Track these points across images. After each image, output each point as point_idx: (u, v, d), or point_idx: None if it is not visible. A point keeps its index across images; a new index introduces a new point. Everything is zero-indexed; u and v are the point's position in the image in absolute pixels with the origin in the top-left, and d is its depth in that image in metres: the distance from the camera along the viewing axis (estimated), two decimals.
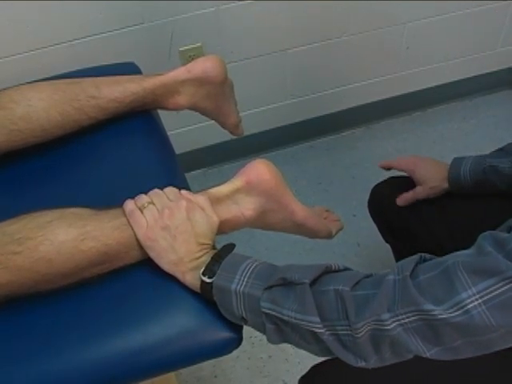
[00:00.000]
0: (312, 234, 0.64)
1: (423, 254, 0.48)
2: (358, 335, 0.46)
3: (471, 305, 0.42)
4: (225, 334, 0.54)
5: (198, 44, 1.18)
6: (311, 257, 1.25)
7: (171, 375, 0.80)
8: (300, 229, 0.63)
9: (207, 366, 1.08)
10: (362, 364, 0.48)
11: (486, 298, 0.42)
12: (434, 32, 1.39)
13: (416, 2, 1.30)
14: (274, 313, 0.49)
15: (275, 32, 1.23)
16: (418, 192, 0.84)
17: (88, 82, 0.70)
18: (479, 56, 1.50)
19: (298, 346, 0.51)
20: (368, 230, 1.30)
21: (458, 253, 0.46)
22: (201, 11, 1.13)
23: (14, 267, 0.51)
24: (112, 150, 0.71)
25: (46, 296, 0.55)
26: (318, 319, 0.47)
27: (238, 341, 0.55)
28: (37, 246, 0.52)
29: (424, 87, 1.52)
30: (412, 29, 1.36)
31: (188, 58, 1.18)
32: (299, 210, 0.61)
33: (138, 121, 0.74)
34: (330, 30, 1.28)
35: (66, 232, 0.53)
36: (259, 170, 0.59)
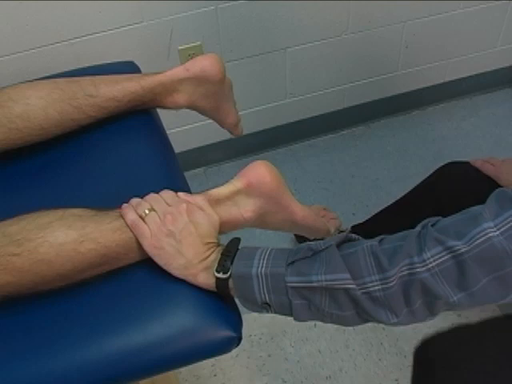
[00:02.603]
0: (311, 232, 0.65)
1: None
2: (390, 284, 0.48)
3: (491, 234, 0.44)
4: (224, 332, 0.54)
5: (198, 43, 1.18)
6: None
7: (171, 374, 0.80)
8: (299, 228, 0.63)
9: (206, 364, 1.08)
10: (393, 320, 0.49)
11: (507, 226, 0.44)
12: (433, 31, 1.39)
13: (415, 2, 1.30)
14: (302, 284, 0.50)
15: (274, 31, 1.23)
16: None
17: (87, 80, 0.69)
18: (479, 54, 1.50)
19: (328, 318, 0.52)
20: None
21: (483, 206, 0.48)
22: (200, 10, 1.13)
23: (13, 269, 0.51)
24: (111, 149, 0.71)
25: (46, 295, 0.55)
26: (348, 275, 0.49)
27: (237, 339, 0.55)
28: (36, 247, 0.52)
29: (423, 86, 1.52)
30: (411, 28, 1.35)
31: (187, 56, 1.18)
32: (299, 211, 0.61)
33: (137, 119, 0.74)
34: (330, 29, 1.28)
35: (65, 234, 0.52)
36: (260, 171, 0.59)
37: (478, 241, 0.44)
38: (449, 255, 0.46)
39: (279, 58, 1.29)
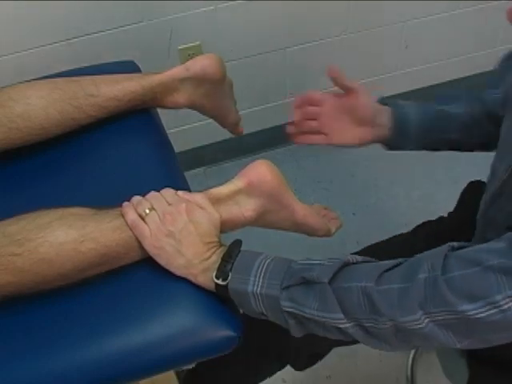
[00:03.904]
0: (311, 232, 0.64)
1: (452, 244, 0.49)
2: (385, 326, 0.47)
3: (506, 306, 0.43)
4: (224, 331, 0.54)
5: (197, 42, 1.17)
6: (311, 254, 1.24)
7: (171, 373, 0.80)
8: (300, 227, 0.63)
9: None
10: (387, 348, 0.49)
11: None
12: (432, 31, 1.39)
13: (415, 2, 1.30)
14: (295, 311, 0.50)
15: (274, 30, 1.23)
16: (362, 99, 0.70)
17: (87, 80, 0.69)
18: (478, 54, 1.50)
19: (322, 335, 0.52)
20: (367, 228, 1.30)
21: (490, 248, 0.46)
22: (200, 10, 1.13)
23: (13, 269, 0.51)
24: (111, 149, 0.71)
25: (46, 295, 0.54)
26: (341, 315, 0.48)
27: (237, 338, 0.55)
28: (36, 247, 0.52)
29: (423, 86, 1.52)
30: (411, 27, 1.35)
31: (187, 56, 1.17)
32: (300, 210, 0.61)
33: (137, 119, 0.74)
34: (329, 29, 1.28)
35: (65, 233, 0.52)
36: (260, 170, 0.59)
37: (491, 311, 0.43)
38: (458, 315, 0.44)
39: (279, 58, 1.29)
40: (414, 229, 0.82)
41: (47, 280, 0.53)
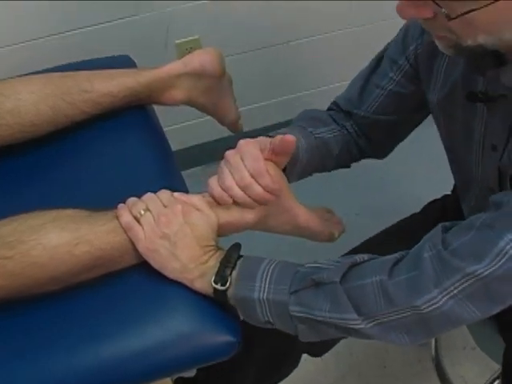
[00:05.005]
0: (314, 236, 0.64)
1: (444, 224, 0.50)
2: (405, 314, 0.47)
3: None
4: (224, 337, 0.54)
5: (196, 36, 1.16)
6: (313, 256, 1.23)
7: (168, 380, 0.79)
8: (302, 231, 0.62)
9: None
10: (405, 340, 0.49)
11: None
12: None
13: None
14: (304, 315, 0.50)
15: (276, 24, 1.21)
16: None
17: (81, 75, 0.68)
18: None
19: (334, 337, 0.52)
20: (371, 228, 1.28)
21: (479, 215, 0.48)
22: (198, 2, 1.11)
23: (5, 272, 0.50)
24: (106, 147, 0.70)
25: (42, 298, 0.54)
26: (355, 316, 0.48)
27: (236, 344, 0.54)
28: (29, 250, 0.51)
29: None
30: None
31: (185, 50, 1.16)
32: (302, 214, 0.60)
33: (133, 116, 0.73)
34: (332, 23, 1.26)
35: (59, 236, 0.51)
36: None
37: (501, 261, 0.43)
38: (472, 279, 0.45)
39: (281, 52, 1.27)
40: (424, 207, 0.86)
41: (40, 284, 0.52)
